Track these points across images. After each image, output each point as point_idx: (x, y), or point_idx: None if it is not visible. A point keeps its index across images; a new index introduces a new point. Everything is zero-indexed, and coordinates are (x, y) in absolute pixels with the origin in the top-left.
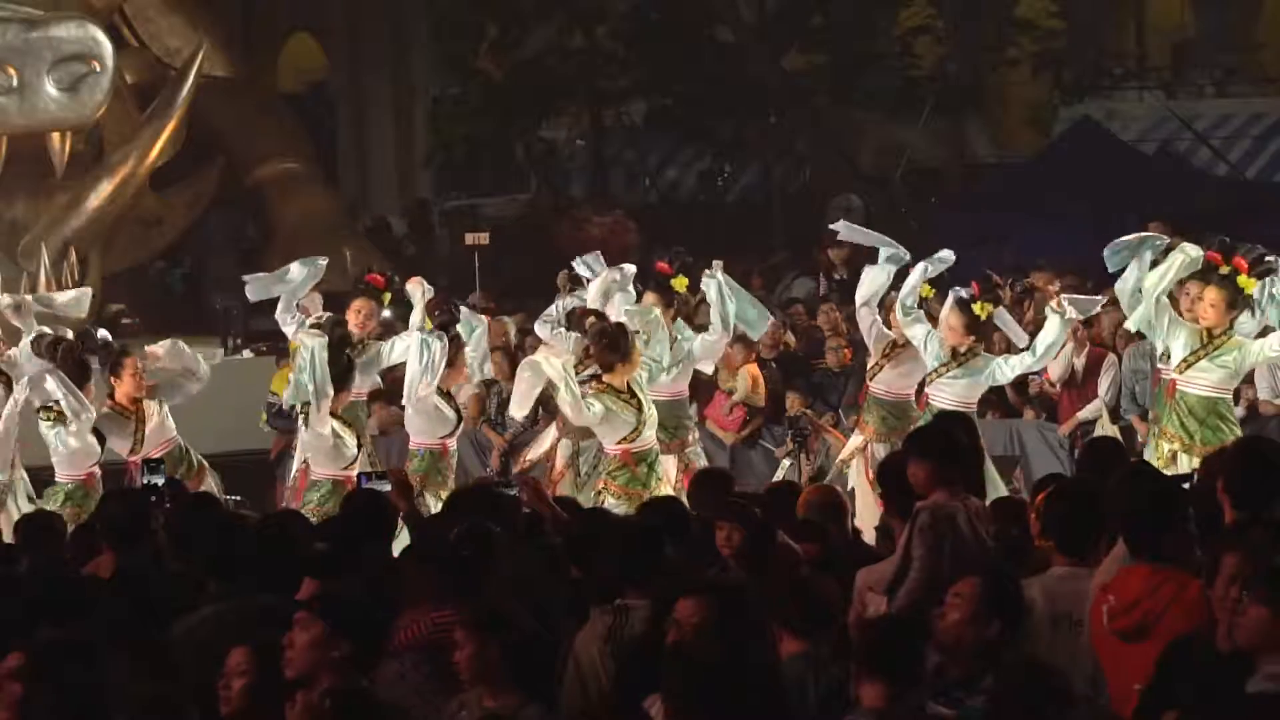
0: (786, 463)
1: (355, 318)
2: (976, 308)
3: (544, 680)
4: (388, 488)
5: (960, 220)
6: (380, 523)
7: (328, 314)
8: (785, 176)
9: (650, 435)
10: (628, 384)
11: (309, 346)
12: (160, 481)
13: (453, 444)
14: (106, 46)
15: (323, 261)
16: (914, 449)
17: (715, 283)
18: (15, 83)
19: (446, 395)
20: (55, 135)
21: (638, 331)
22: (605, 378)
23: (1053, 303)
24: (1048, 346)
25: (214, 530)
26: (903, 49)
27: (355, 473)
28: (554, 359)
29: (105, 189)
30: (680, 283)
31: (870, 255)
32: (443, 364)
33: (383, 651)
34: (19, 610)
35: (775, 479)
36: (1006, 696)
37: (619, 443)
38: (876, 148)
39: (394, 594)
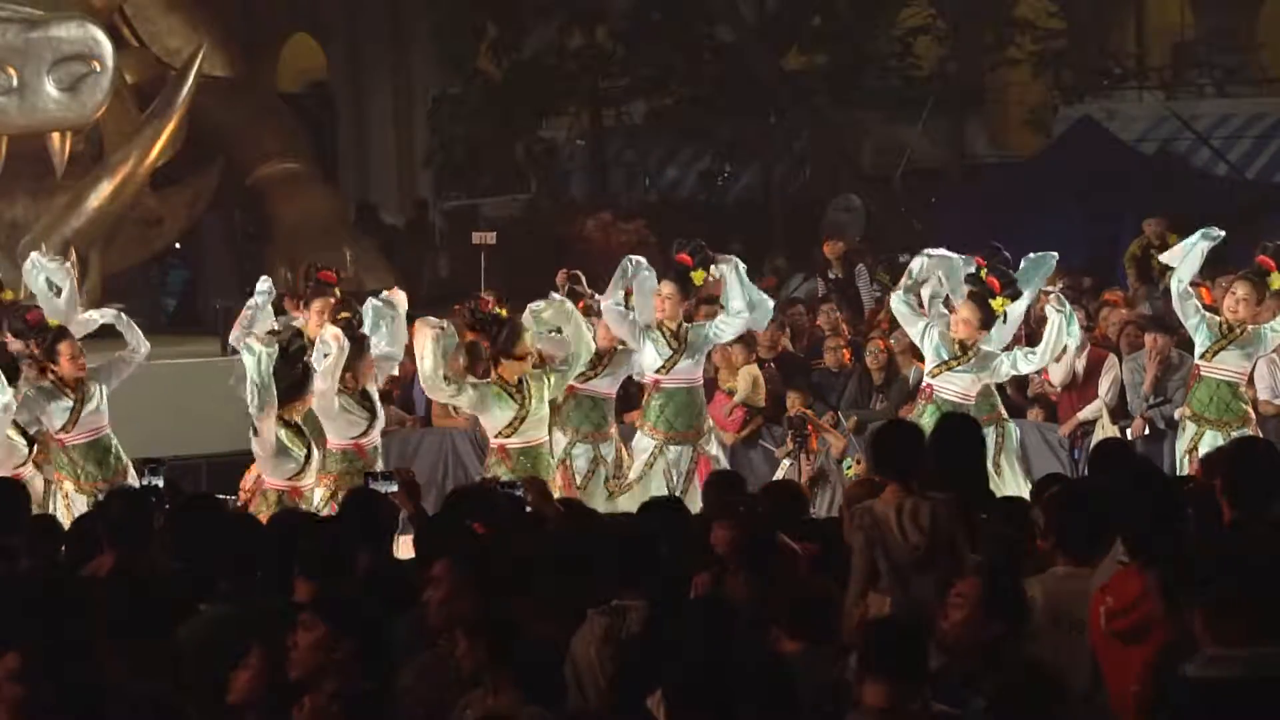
0: (786, 463)
1: (317, 319)
2: (995, 303)
3: (546, 680)
4: (393, 488)
5: (960, 220)
6: (380, 523)
7: (289, 325)
8: (785, 176)
9: (535, 433)
10: (518, 379)
11: (256, 353)
12: (160, 482)
13: (369, 442)
14: (106, 46)
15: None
16: (868, 449)
17: (734, 265)
18: (15, 83)
19: (362, 395)
20: (55, 135)
21: (556, 329)
22: (497, 370)
23: (1051, 302)
24: (1050, 345)
25: (227, 531)
26: (903, 49)
27: (305, 483)
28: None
29: (105, 189)
30: (699, 276)
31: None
32: (340, 365)
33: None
34: (18, 610)
35: (775, 479)
36: (1005, 697)
37: (496, 436)
38: (876, 148)
39: (394, 594)
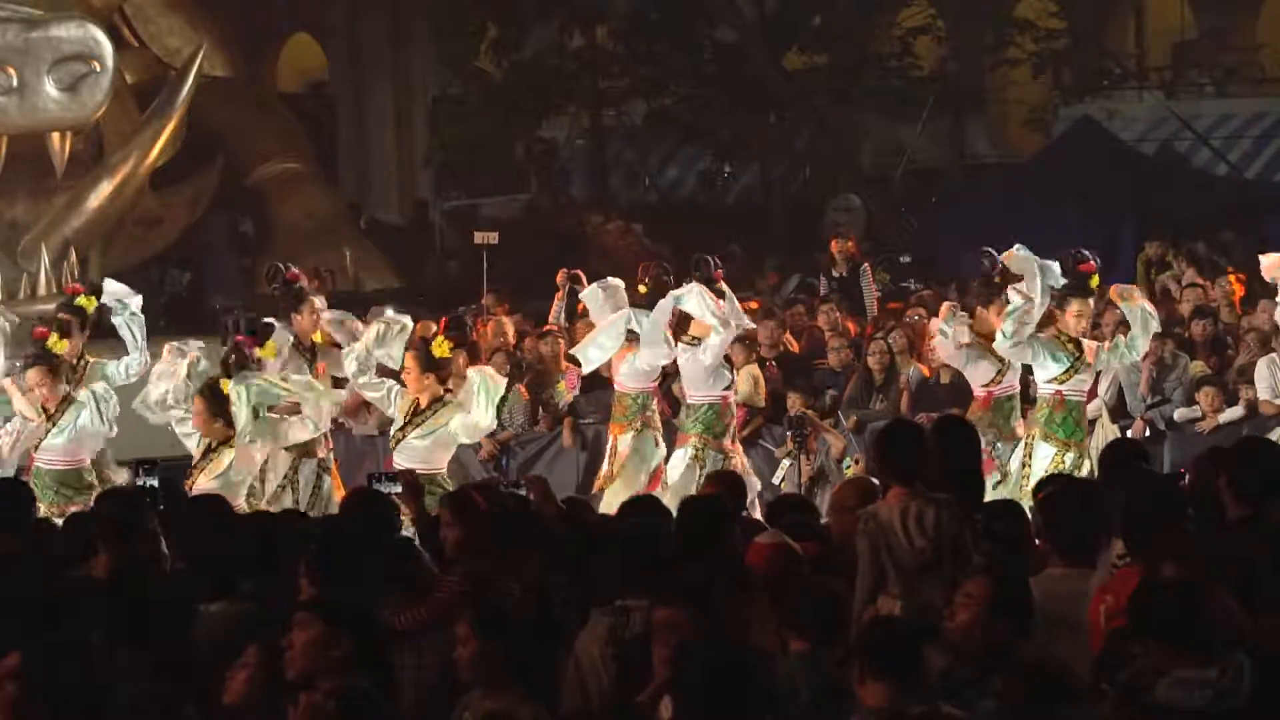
0: (786, 463)
1: (309, 321)
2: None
3: (545, 680)
4: (396, 489)
5: (960, 220)
6: (381, 523)
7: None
8: (785, 176)
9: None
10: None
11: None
12: (155, 482)
13: None
14: (106, 46)
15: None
16: (872, 450)
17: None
18: (15, 83)
19: None
20: (55, 135)
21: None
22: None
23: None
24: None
25: (234, 531)
26: (903, 49)
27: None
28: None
29: (105, 189)
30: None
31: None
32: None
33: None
34: (18, 610)
35: (775, 479)
36: (1020, 694)
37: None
38: (876, 148)
39: (393, 594)
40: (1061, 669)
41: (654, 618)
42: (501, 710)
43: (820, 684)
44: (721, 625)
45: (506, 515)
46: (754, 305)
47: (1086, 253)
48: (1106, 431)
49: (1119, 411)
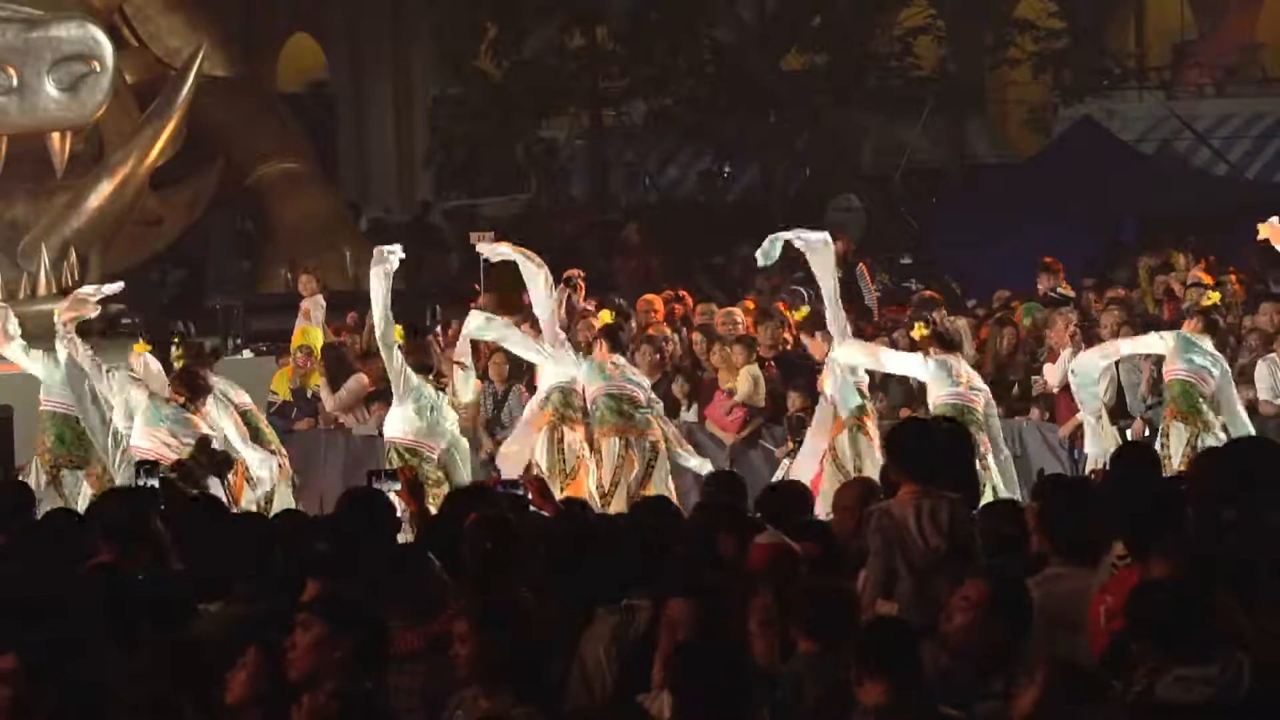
0: (786, 463)
1: None
2: None
3: (542, 680)
4: (397, 487)
5: (960, 220)
6: (381, 522)
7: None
8: (785, 176)
9: None
10: None
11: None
12: (156, 483)
13: None
14: (106, 46)
15: None
16: (885, 448)
17: None
18: (15, 83)
19: None
20: (55, 135)
21: None
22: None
23: None
24: None
25: (237, 532)
26: (903, 49)
27: None
28: None
29: (105, 189)
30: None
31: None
32: None
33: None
34: (15, 611)
35: (775, 479)
36: (1045, 697)
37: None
38: (876, 148)
39: (395, 594)
40: (1089, 670)
41: (665, 611)
42: (496, 711)
43: (827, 685)
44: (730, 627)
45: (533, 536)
46: (750, 304)
47: None
48: (1105, 432)
49: (1119, 411)
